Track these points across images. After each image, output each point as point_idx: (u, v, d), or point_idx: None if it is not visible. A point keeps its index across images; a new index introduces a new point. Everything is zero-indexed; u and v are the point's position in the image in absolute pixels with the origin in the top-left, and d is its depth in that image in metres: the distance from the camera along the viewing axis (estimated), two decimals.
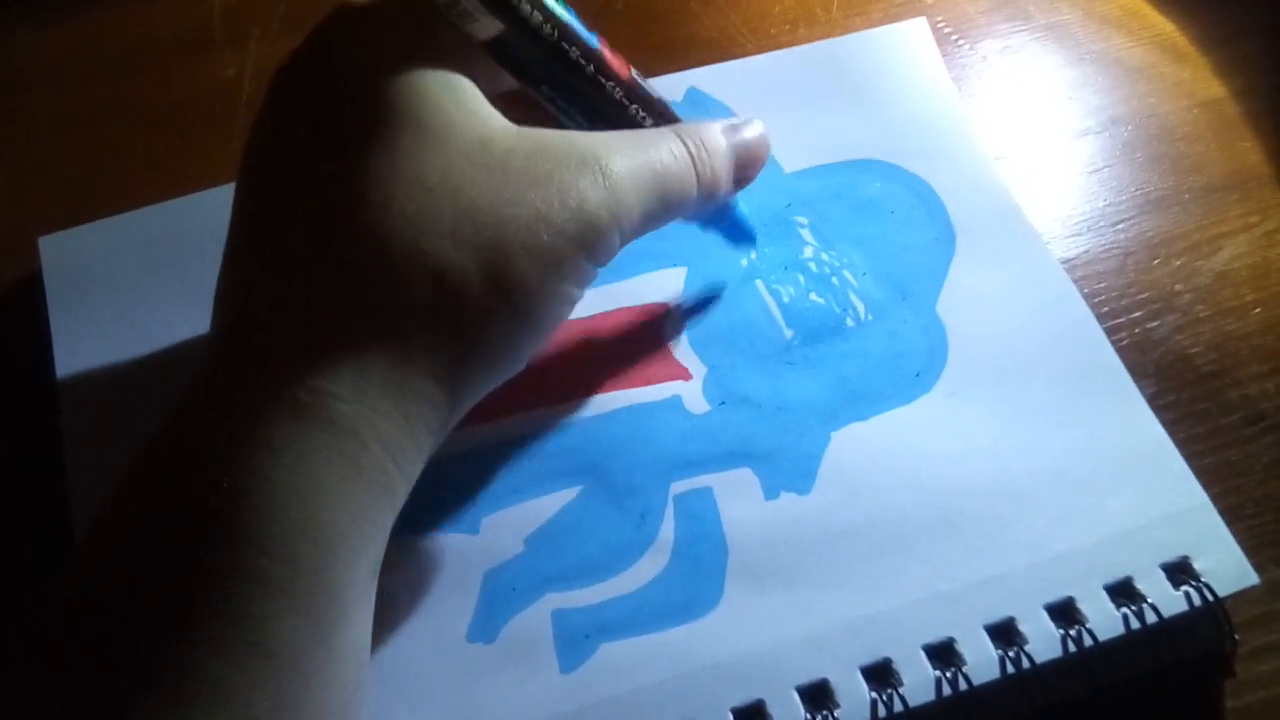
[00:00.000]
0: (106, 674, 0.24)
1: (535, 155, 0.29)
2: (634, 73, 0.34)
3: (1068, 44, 0.50)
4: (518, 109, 0.32)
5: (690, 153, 0.33)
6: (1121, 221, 0.45)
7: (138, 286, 0.41)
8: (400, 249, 0.27)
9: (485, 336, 0.29)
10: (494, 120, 0.30)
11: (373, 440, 0.27)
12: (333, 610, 0.26)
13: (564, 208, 0.29)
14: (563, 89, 0.33)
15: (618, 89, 0.34)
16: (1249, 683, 0.35)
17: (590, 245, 0.30)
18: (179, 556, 0.25)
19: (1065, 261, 0.43)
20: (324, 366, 0.27)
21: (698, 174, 0.34)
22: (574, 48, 0.32)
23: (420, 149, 0.28)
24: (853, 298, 0.41)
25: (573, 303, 0.31)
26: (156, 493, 0.26)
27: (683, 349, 0.40)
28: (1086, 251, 0.44)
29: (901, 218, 0.43)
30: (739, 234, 0.40)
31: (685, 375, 0.39)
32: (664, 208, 0.33)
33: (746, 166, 0.36)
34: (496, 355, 0.30)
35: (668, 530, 0.36)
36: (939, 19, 0.51)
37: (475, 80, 0.31)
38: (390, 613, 0.30)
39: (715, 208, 0.37)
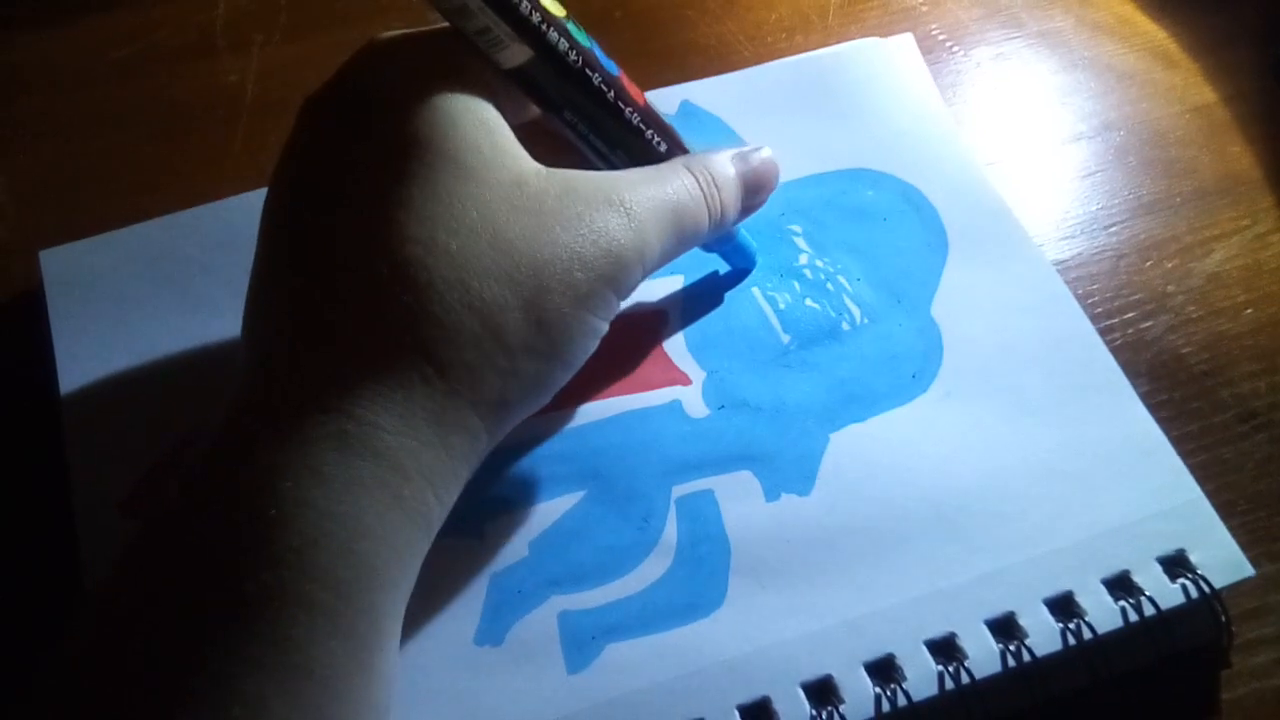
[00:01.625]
0: (144, 692, 0.24)
1: (565, 196, 0.30)
2: (648, 101, 0.35)
3: (1060, 50, 0.51)
4: (534, 141, 0.33)
5: (701, 187, 0.34)
6: (1114, 224, 0.45)
7: (140, 301, 0.41)
8: (445, 285, 0.28)
9: (524, 371, 0.30)
10: (524, 160, 0.31)
11: (415, 472, 0.28)
12: (371, 635, 0.27)
13: (595, 247, 0.30)
14: (584, 115, 0.34)
15: (635, 114, 0.34)
16: (1243, 674, 0.36)
17: (619, 281, 0.31)
18: (222, 578, 0.25)
19: (1059, 263, 0.44)
20: (370, 398, 0.27)
21: (708, 208, 0.35)
22: (596, 74, 0.33)
23: (460, 187, 0.29)
24: (848, 302, 0.41)
25: (600, 336, 0.32)
26: (201, 515, 0.26)
27: (681, 355, 0.40)
28: (1080, 254, 0.44)
29: (894, 224, 0.43)
30: (740, 257, 0.41)
31: (685, 380, 0.39)
32: (680, 242, 0.34)
33: (754, 194, 0.38)
34: (533, 389, 0.31)
35: (670, 532, 0.36)
36: (933, 26, 0.52)
37: (501, 102, 0.32)
38: None
39: (721, 234, 0.38)
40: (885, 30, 0.50)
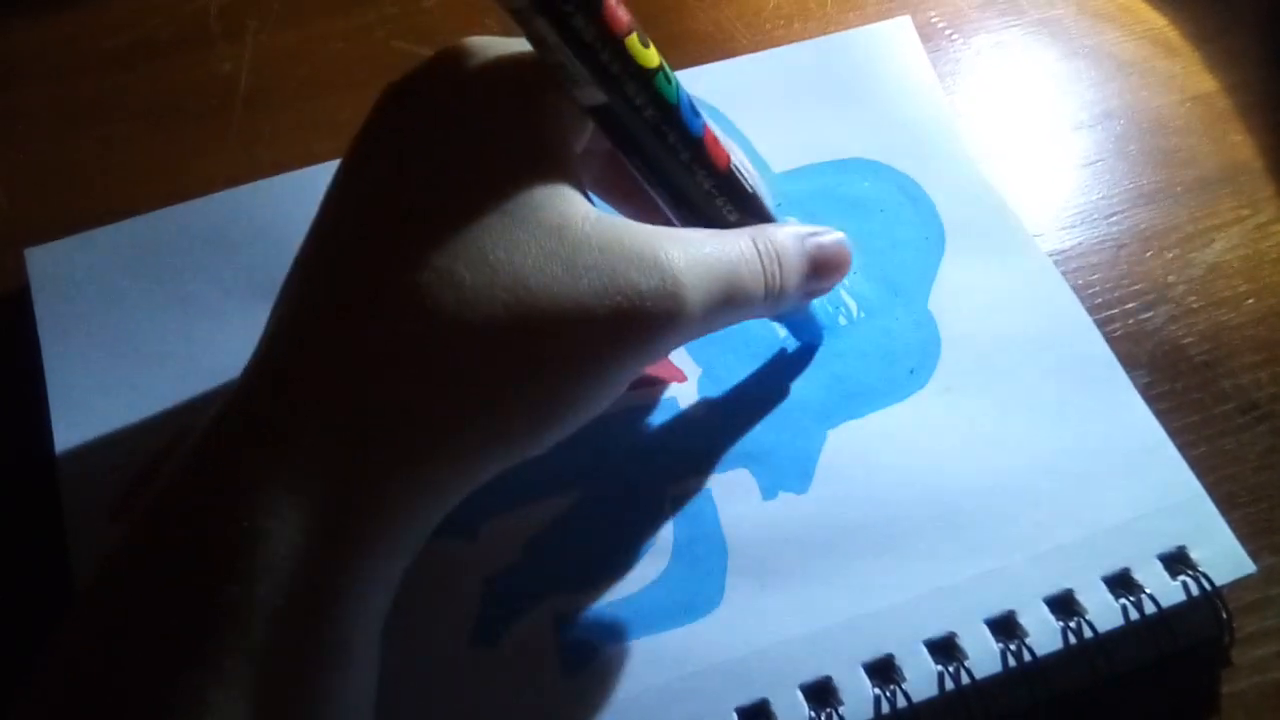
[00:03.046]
0: (119, 703, 0.24)
1: (606, 250, 0.29)
2: (734, 164, 0.34)
3: (1060, 38, 0.51)
4: (617, 167, 0.32)
5: (761, 258, 0.33)
6: (1114, 214, 0.45)
7: (128, 299, 0.40)
8: (448, 319, 0.27)
9: (512, 424, 0.29)
10: (575, 204, 0.29)
11: (391, 497, 0.27)
12: (348, 648, 0.26)
13: (620, 310, 0.29)
14: (653, 168, 0.32)
15: (708, 180, 0.33)
16: (1244, 668, 0.36)
17: (641, 346, 0.30)
18: (195, 591, 0.25)
19: (1059, 253, 0.44)
20: (349, 420, 0.27)
21: (765, 280, 0.33)
22: (672, 133, 0.31)
23: (494, 222, 0.28)
24: (844, 297, 0.41)
25: (610, 399, 0.31)
26: (176, 526, 0.26)
27: (677, 351, 0.40)
28: (1080, 243, 0.44)
29: (890, 216, 0.43)
30: (804, 330, 0.40)
31: (680, 377, 0.39)
32: (729, 309, 0.32)
33: (821, 277, 0.36)
34: (521, 438, 0.29)
35: (667, 532, 0.36)
36: (932, 14, 0.51)
37: (572, 140, 0.31)
38: (392, 620, 0.30)
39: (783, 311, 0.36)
40: (884, 17, 0.50)
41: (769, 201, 0.35)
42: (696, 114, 0.32)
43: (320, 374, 0.27)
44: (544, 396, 0.29)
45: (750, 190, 0.35)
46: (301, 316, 0.29)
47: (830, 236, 0.36)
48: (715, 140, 0.33)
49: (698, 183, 0.33)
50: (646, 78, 0.30)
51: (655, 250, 0.30)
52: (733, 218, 0.34)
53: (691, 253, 0.30)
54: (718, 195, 0.34)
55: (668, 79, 0.31)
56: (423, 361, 0.27)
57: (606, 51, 0.29)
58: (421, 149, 0.29)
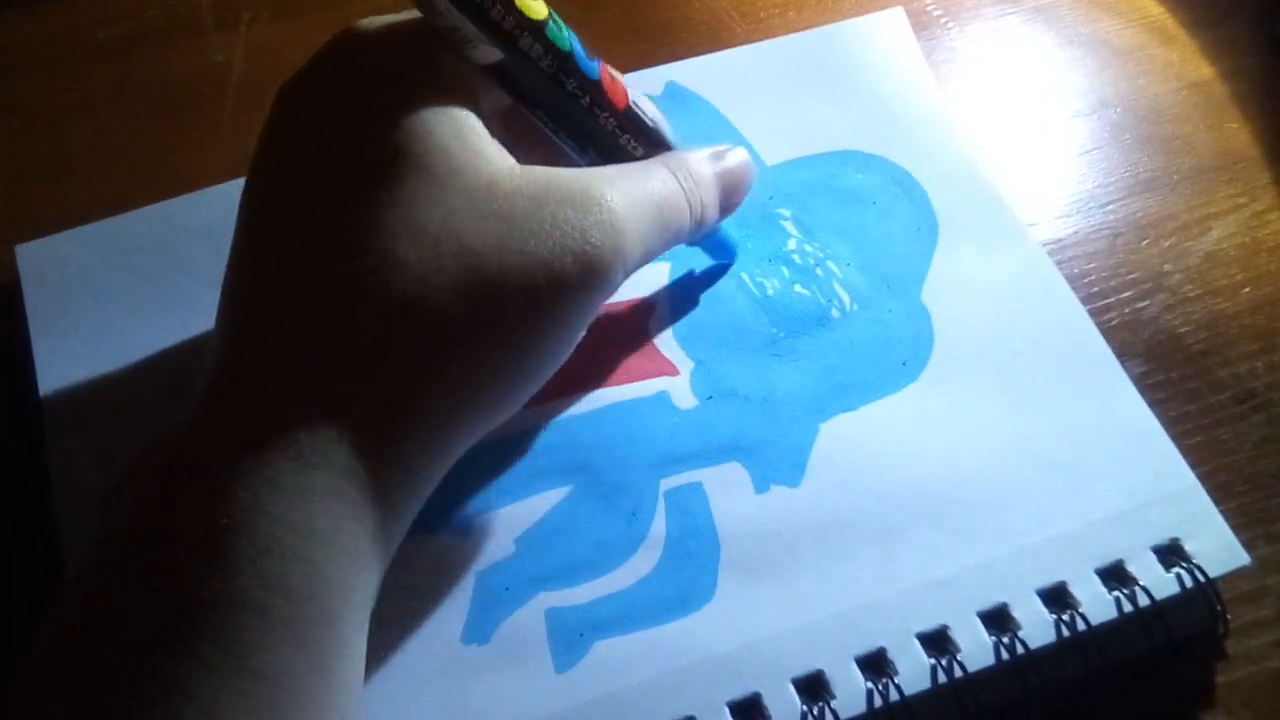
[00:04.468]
0: (99, 694, 0.24)
1: (539, 197, 0.30)
2: (632, 100, 0.35)
3: (1056, 26, 0.50)
4: (522, 126, 0.33)
5: (681, 184, 0.34)
6: (1111, 202, 0.45)
7: (119, 297, 0.40)
8: (402, 297, 0.28)
9: (484, 386, 0.29)
10: (497, 161, 0.30)
11: (368, 484, 0.27)
12: (327, 641, 0.26)
13: (568, 252, 0.29)
14: (557, 116, 0.33)
15: (611, 119, 0.34)
16: (1239, 657, 0.36)
17: (593, 286, 0.30)
18: (176, 584, 0.25)
19: (1055, 242, 0.43)
20: (323, 409, 0.27)
21: (689, 205, 0.34)
22: (571, 80, 0.32)
23: (424, 192, 0.28)
24: (837, 288, 0.41)
25: (573, 345, 0.32)
26: (158, 522, 0.26)
27: (669, 344, 0.40)
28: (1076, 232, 0.44)
29: (884, 208, 0.43)
30: (721, 250, 0.41)
31: (672, 370, 0.39)
32: (663, 238, 0.33)
33: (731, 194, 0.37)
34: (494, 403, 0.30)
35: (659, 526, 0.36)
36: (928, 2, 0.51)
37: (477, 97, 0.31)
38: (384, 617, 0.31)
39: (703, 233, 0.38)
40: (880, 4, 0.49)
41: (669, 132, 0.36)
42: (590, 58, 0.33)
43: (282, 367, 0.28)
44: (506, 352, 0.29)
45: (652, 124, 0.36)
46: (253, 313, 0.29)
47: (735, 157, 0.38)
48: (612, 79, 0.34)
49: (602, 124, 0.34)
50: (538, 29, 0.31)
51: (588, 190, 0.30)
52: (639, 153, 0.35)
53: (623, 188, 0.31)
54: (622, 133, 0.35)
55: (558, 27, 0.32)
56: (382, 342, 0.28)
57: (496, 8, 0.30)
58: (329, 137, 0.29)
